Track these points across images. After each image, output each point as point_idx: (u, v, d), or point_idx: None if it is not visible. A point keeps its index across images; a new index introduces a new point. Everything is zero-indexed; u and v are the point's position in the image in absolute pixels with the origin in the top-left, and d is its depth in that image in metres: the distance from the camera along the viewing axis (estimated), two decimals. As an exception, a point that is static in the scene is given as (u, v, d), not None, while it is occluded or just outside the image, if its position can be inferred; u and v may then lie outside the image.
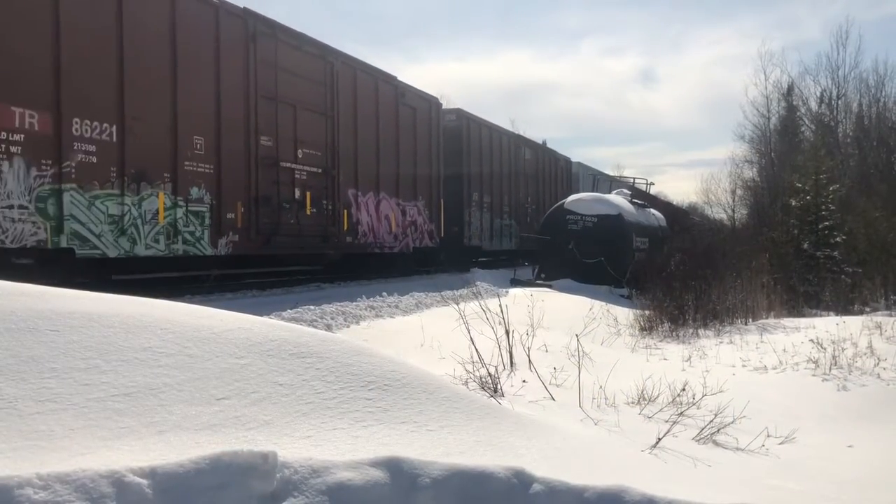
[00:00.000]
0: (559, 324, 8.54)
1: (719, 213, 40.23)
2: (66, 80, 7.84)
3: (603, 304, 11.62)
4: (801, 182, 18.96)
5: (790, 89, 35.47)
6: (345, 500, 2.69)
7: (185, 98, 9.31)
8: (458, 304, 6.92)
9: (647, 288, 12.59)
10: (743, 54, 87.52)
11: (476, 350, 5.44)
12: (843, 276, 16.69)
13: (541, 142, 25.17)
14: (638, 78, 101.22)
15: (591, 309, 10.29)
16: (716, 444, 4.61)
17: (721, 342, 8.89)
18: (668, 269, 13.13)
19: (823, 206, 18.14)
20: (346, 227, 12.77)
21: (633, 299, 13.57)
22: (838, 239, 17.75)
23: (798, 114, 35.72)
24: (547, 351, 6.65)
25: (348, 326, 7.87)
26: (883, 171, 28.74)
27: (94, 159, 8.15)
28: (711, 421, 4.73)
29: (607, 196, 17.68)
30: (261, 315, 4.68)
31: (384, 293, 10.17)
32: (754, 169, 37.48)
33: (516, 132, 22.78)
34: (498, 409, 4.02)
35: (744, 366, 7.43)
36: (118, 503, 2.34)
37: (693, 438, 4.58)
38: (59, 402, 2.78)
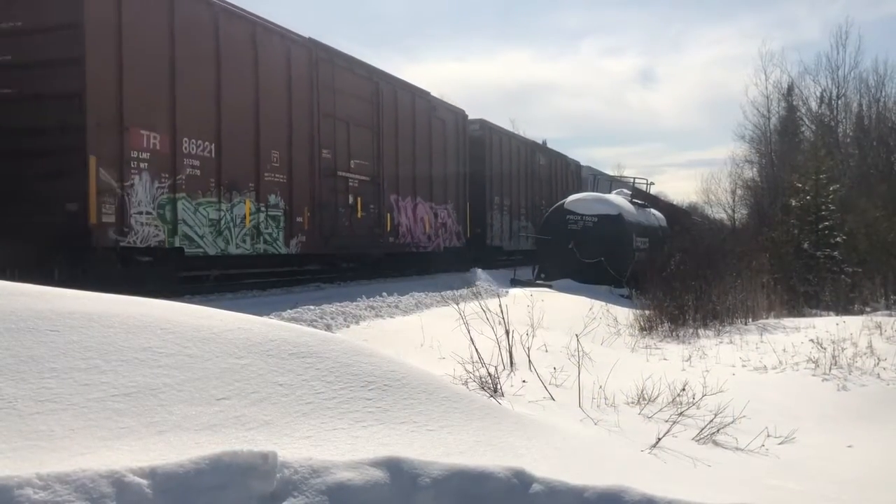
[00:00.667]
0: (559, 324, 8.54)
1: (719, 213, 40.30)
2: (180, 107, 9.27)
3: (603, 304, 11.61)
4: (801, 182, 18.96)
5: (790, 89, 35.49)
6: (345, 500, 2.69)
7: (264, 118, 10.74)
8: (457, 304, 6.91)
9: (647, 288, 12.58)
10: (743, 54, 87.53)
11: (476, 350, 5.44)
12: (843, 276, 16.69)
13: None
14: (637, 78, 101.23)
15: (591, 309, 10.28)
16: (715, 444, 4.61)
17: (721, 342, 8.89)
18: (669, 269, 13.12)
19: (823, 206, 18.14)
20: (388, 229, 14.26)
21: (633, 299, 13.57)
22: (838, 239, 17.75)
23: (798, 114, 35.71)
24: (547, 351, 6.64)
25: (348, 326, 7.87)
26: (883, 171, 28.73)
27: (198, 172, 9.55)
28: (711, 421, 4.72)
29: (607, 196, 17.66)
30: (261, 315, 4.68)
31: (384, 293, 10.17)
32: (754, 169, 37.53)
33: (531, 139, 24.21)
34: (498, 409, 4.02)
35: (744, 366, 7.43)
36: (118, 503, 2.34)
37: (693, 438, 4.58)
38: (59, 402, 2.78)
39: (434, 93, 16.98)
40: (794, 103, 35.70)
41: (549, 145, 25.97)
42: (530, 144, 23.05)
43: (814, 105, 35.02)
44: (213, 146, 9.73)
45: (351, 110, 12.90)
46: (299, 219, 11.41)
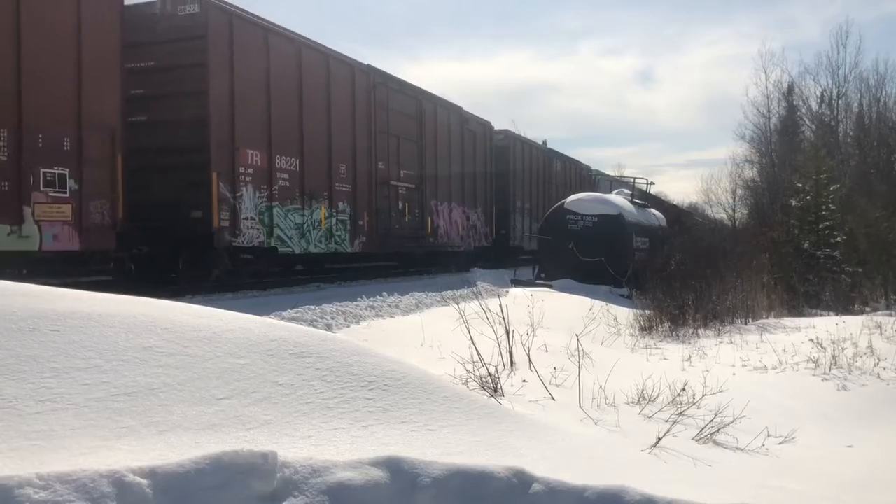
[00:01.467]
0: (559, 324, 8.53)
1: (719, 213, 40.27)
2: (274, 130, 11.25)
3: (603, 303, 11.61)
4: (801, 182, 18.95)
5: (790, 89, 35.44)
6: (345, 500, 2.69)
7: (336, 135, 12.78)
8: (458, 303, 6.91)
9: (647, 288, 12.57)
10: (741, 54, 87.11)
11: (476, 350, 5.44)
12: (843, 276, 16.68)
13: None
14: (637, 78, 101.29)
15: (591, 309, 10.28)
16: (716, 443, 4.61)
17: (721, 342, 8.89)
18: (669, 268, 13.11)
19: (824, 206, 18.13)
20: (429, 231, 16.31)
21: (633, 299, 13.56)
22: (838, 239, 17.74)
23: (798, 113, 35.68)
24: (547, 351, 6.64)
25: (348, 326, 7.87)
26: (883, 171, 28.72)
27: (287, 184, 11.54)
28: (711, 421, 4.72)
29: (608, 196, 17.65)
30: (261, 315, 4.68)
31: (384, 293, 10.17)
32: (755, 169, 37.48)
33: (549, 147, 26.08)
34: (498, 409, 4.02)
35: (744, 365, 7.43)
36: (118, 503, 2.34)
37: (693, 438, 4.58)
38: (60, 401, 2.78)
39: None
40: (795, 103, 35.67)
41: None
42: (547, 151, 24.96)
43: (814, 105, 35.02)
44: (297, 161, 11.74)
45: (400, 126, 14.93)
46: (361, 222, 13.47)
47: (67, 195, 8.26)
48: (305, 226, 11.88)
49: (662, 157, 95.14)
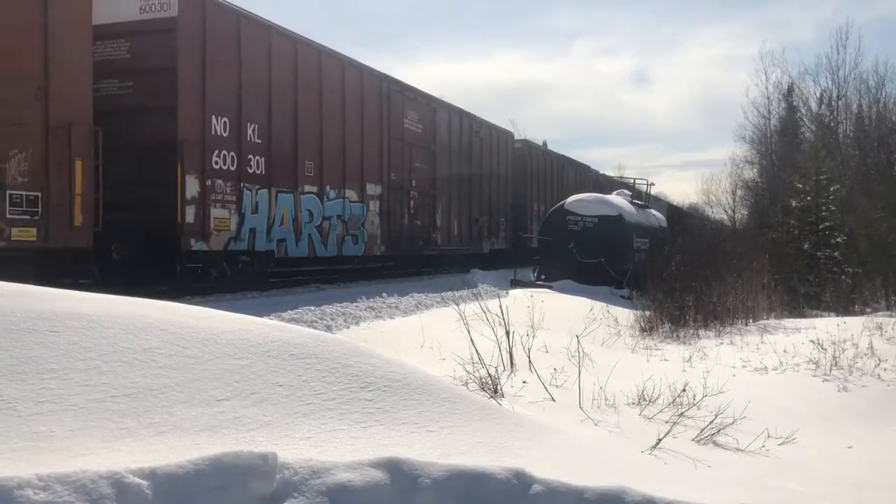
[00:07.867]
0: (559, 325, 8.53)
1: (720, 214, 40.31)
2: (545, 192, 25.17)
3: (603, 304, 11.60)
4: (801, 183, 18.97)
5: (790, 90, 35.47)
6: (345, 501, 2.69)
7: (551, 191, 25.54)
8: (458, 304, 6.91)
9: (647, 288, 12.57)
10: (736, 55, 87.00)
11: (476, 351, 5.43)
12: (843, 277, 16.69)
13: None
14: (632, 79, 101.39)
15: (591, 310, 10.27)
16: (716, 444, 4.61)
17: (721, 343, 8.88)
18: (669, 269, 13.11)
19: (824, 207, 18.15)
20: None
21: (633, 300, 13.56)
22: (839, 239, 17.76)
23: (798, 114, 35.71)
24: (547, 352, 6.64)
25: (348, 327, 7.87)
26: (883, 172, 28.71)
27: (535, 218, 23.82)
28: (712, 422, 4.72)
29: (608, 197, 17.66)
30: (261, 316, 4.68)
31: (384, 294, 10.17)
32: (755, 169, 37.50)
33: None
34: (498, 410, 4.02)
35: (744, 366, 7.42)
36: (118, 504, 2.34)
37: (693, 439, 4.58)
38: (59, 403, 2.78)
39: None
40: (795, 104, 35.71)
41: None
42: (621, 181, 34.70)
43: (814, 105, 35.06)
44: (542, 207, 23.52)
45: (570, 183, 26.99)
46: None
47: (438, 223, 18.18)
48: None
49: (659, 157, 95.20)
